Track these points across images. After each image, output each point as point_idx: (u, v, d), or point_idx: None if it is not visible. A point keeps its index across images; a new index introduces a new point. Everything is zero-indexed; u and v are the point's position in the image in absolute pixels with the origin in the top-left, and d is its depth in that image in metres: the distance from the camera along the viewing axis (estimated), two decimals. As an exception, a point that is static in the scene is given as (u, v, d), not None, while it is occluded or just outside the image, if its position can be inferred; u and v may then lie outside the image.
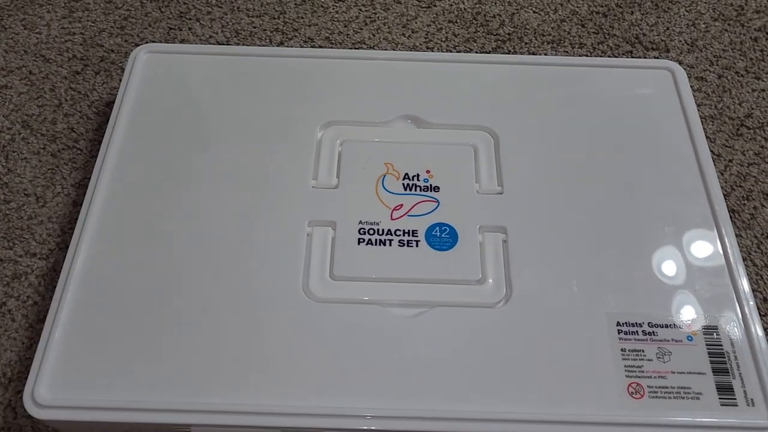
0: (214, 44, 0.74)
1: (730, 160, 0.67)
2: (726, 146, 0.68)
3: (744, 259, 0.60)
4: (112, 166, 0.59)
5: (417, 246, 0.55)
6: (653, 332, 0.51)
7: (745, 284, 0.54)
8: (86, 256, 0.54)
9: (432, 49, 0.75)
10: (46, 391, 0.48)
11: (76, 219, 0.61)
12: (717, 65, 0.74)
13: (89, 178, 0.62)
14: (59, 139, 0.67)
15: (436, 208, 0.57)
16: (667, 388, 0.49)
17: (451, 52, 0.75)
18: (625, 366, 0.50)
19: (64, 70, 0.72)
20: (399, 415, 0.48)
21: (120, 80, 0.71)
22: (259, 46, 0.74)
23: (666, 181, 0.59)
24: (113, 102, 0.67)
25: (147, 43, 0.72)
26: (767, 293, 0.60)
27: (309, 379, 0.49)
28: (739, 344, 0.51)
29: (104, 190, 0.57)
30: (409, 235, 0.56)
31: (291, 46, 0.75)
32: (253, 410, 0.48)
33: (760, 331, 0.52)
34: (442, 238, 0.55)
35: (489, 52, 0.75)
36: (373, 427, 0.47)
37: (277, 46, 0.75)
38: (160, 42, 0.74)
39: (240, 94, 0.63)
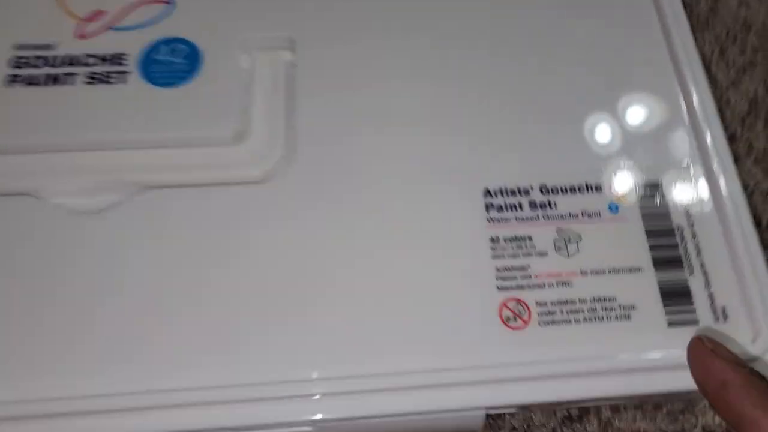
0: None
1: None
2: None
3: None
4: None
5: (124, 82, 0.30)
6: (548, 204, 0.28)
7: (709, 109, 0.31)
8: None
9: None
10: None
11: None
12: None
13: None
14: None
15: (166, 15, 0.32)
16: (572, 303, 0.27)
17: None
18: (496, 269, 0.27)
19: None
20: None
21: None
22: None
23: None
24: None
25: None
26: (739, 126, 0.37)
27: None
28: (701, 212, 0.28)
29: None
30: (109, 64, 0.30)
31: None
32: None
33: (734, 186, 0.29)
34: (174, 65, 0.30)
35: None
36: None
37: None
38: None
39: None
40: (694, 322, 0.27)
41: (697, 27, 0.39)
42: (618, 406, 0.29)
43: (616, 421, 0.29)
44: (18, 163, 0.28)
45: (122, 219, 0.27)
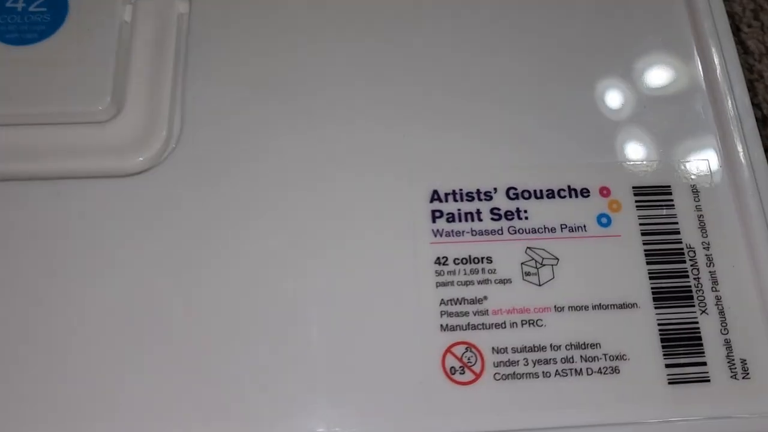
0: None
1: None
2: None
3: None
4: None
5: (-39, 36, 0.23)
6: (517, 212, 0.21)
7: (736, 87, 0.23)
8: None
9: None
10: None
11: None
12: None
13: None
14: None
15: (26, -55, 0.24)
16: (542, 350, 0.20)
17: None
18: (441, 302, 0.20)
19: None
20: None
21: None
22: None
23: None
24: None
25: None
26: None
27: None
28: (722, 229, 0.21)
29: None
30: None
31: None
32: None
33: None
34: (30, 13, 0.23)
35: None
36: None
37: None
38: None
39: None
40: (704, 378, 0.20)
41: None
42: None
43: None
44: None
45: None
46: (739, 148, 0.22)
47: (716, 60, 0.24)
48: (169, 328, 0.20)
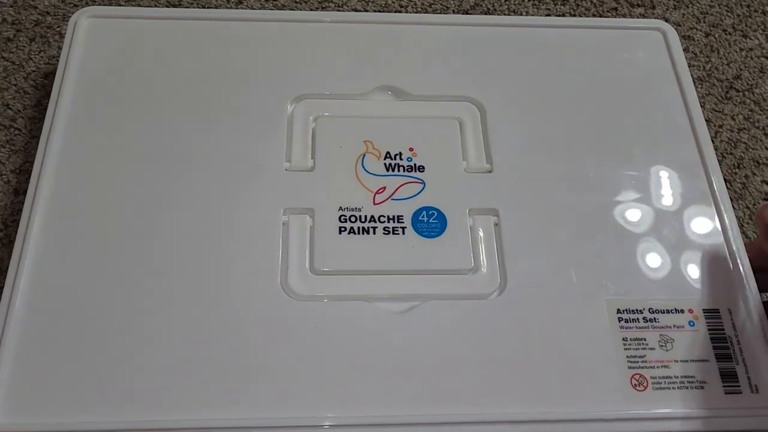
0: (164, 6, 0.67)
1: (720, 126, 0.65)
2: (716, 111, 0.65)
3: (737, 232, 0.58)
4: (57, 148, 0.52)
5: (403, 233, 0.51)
6: (654, 319, 0.49)
7: (744, 264, 0.52)
8: (35, 254, 0.48)
9: (406, 8, 0.69)
10: (1, 417, 0.43)
11: (19, 210, 0.55)
12: (704, 22, 0.71)
13: (31, 163, 0.56)
14: (-7, 118, 0.60)
15: (422, 190, 0.53)
16: (671, 377, 0.47)
17: (426, 10, 0.69)
18: (627, 357, 0.47)
19: (-8, 36, 0.64)
20: (393, 421, 0.44)
21: (59, 48, 0.63)
22: (216, 8, 0.67)
23: (663, 155, 0.56)
24: (52, 73, 0.60)
25: (87, 5, 0.64)
26: (761, 267, 0.58)
27: (293, 388, 0.45)
28: (741, 327, 0.49)
29: (51, 177, 0.50)
30: (394, 222, 0.51)
31: (251, 8, 0.68)
32: (233, 425, 0.44)
33: (761, 312, 0.50)
34: (430, 223, 0.51)
35: (467, 10, 0.69)
36: (365, 436, 0.44)
37: (236, 6, 0.68)
38: (103, 4, 0.66)
39: (198, 65, 0.57)
40: (739, 392, 0.47)
41: (734, 196, 0.60)
42: None
43: None
44: (355, 281, 0.49)
45: (415, 315, 0.48)
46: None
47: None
48: None
